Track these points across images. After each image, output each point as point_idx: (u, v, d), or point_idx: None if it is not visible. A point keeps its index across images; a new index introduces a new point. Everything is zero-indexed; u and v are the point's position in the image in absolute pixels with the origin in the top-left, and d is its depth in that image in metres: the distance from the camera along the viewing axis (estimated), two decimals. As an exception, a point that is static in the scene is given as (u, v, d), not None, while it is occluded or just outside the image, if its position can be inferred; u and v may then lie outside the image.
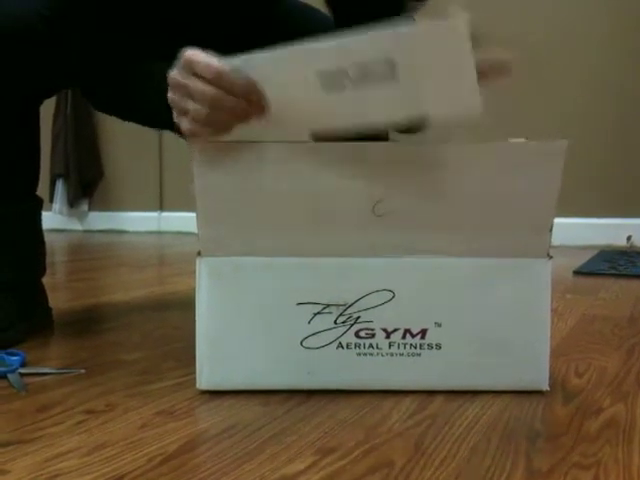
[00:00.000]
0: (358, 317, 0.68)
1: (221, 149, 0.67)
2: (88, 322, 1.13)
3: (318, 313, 0.68)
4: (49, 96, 0.99)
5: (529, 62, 2.34)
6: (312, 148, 0.67)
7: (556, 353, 0.84)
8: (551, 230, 0.68)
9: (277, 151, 0.67)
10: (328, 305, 0.68)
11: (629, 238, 2.19)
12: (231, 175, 0.67)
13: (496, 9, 2.38)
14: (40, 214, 1.01)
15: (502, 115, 2.39)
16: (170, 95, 0.68)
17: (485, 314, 0.68)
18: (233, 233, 0.68)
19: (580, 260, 1.78)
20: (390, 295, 0.68)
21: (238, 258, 0.69)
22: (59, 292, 1.40)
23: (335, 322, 0.68)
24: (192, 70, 0.66)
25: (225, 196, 0.68)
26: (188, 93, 0.66)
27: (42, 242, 1.02)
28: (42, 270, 1.03)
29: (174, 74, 0.67)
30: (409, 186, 0.67)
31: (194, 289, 0.69)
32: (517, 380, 0.70)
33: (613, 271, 1.62)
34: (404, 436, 0.59)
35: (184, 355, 0.83)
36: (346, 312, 0.68)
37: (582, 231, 2.24)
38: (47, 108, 3.08)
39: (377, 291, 0.68)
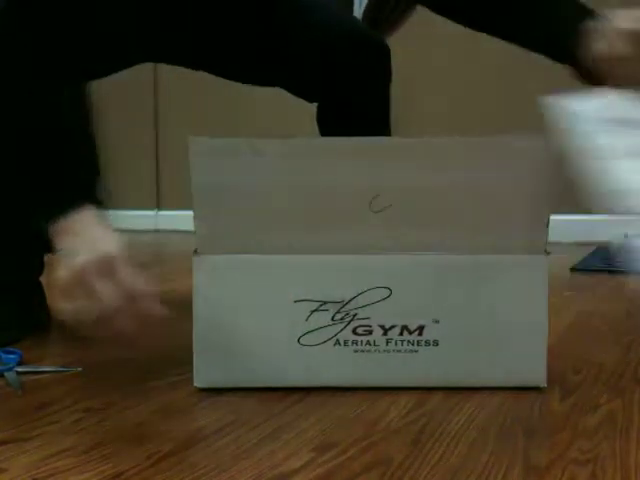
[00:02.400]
0: (355, 314, 0.68)
1: (218, 145, 0.67)
2: (85, 320, 1.12)
3: (315, 310, 0.68)
4: None
5: (525, 56, 2.35)
6: (308, 144, 0.67)
7: (553, 350, 0.84)
8: (548, 226, 0.68)
9: (273, 147, 0.67)
10: (325, 302, 0.68)
11: (626, 235, 2.19)
12: (228, 172, 0.67)
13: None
14: None
15: (501, 108, 2.39)
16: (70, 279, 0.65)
17: (482, 311, 0.68)
18: (230, 231, 0.68)
19: (577, 257, 1.78)
20: (387, 292, 0.68)
21: (235, 256, 0.69)
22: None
23: (332, 319, 0.68)
24: (110, 272, 0.66)
25: (222, 193, 0.67)
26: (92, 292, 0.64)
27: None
28: (40, 268, 1.03)
29: (84, 261, 0.65)
30: (406, 181, 0.67)
31: (191, 287, 0.69)
32: (515, 377, 0.70)
33: (610, 268, 1.62)
34: (402, 433, 0.59)
35: (181, 353, 0.83)
36: (343, 309, 0.68)
37: (579, 228, 2.24)
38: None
39: (374, 288, 0.68)
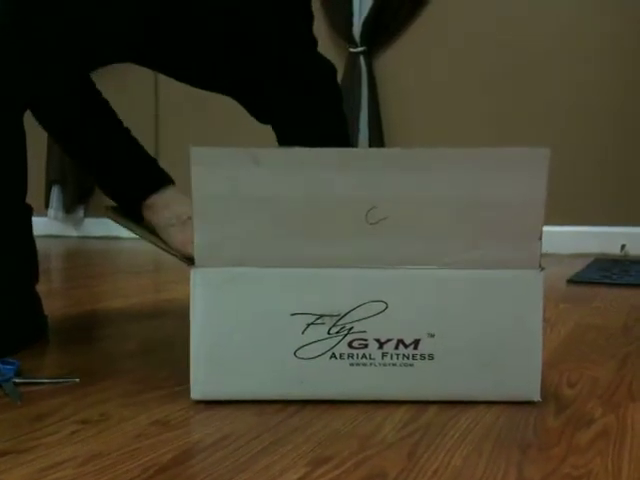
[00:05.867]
0: (351, 327, 0.69)
1: (219, 155, 0.68)
2: (83, 330, 1.13)
3: (312, 323, 0.69)
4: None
5: (526, 68, 2.36)
6: (308, 153, 0.68)
7: (549, 363, 0.85)
8: (541, 239, 0.69)
9: (273, 157, 0.68)
10: (322, 316, 0.69)
11: (623, 247, 2.20)
12: (228, 181, 0.68)
13: (494, 13, 2.39)
14: (31, 222, 1.01)
15: (497, 121, 2.40)
16: None
17: (477, 325, 0.69)
18: (228, 242, 0.69)
19: (574, 269, 1.79)
20: (383, 306, 0.68)
21: (232, 269, 0.69)
22: (55, 299, 1.41)
23: (328, 332, 0.69)
24: None
25: (222, 203, 0.68)
26: None
27: (34, 249, 1.02)
28: (35, 278, 1.03)
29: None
30: (402, 192, 0.68)
31: (189, 296, 0.70)
32: (509, 391, 0.70)
33: (607, 280, 1.63)
34: (397, 446, 0.59)
35: (179, 364, 0.83)
36: (339, 322, 0.69)
37: (576, 239, 2.25)
38: (43, 114, 3.08)
39: (370, 302, 0.69)
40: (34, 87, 0.90)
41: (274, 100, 1.13)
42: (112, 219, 1.04)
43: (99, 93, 1.12)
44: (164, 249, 1.02)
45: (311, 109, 1.16)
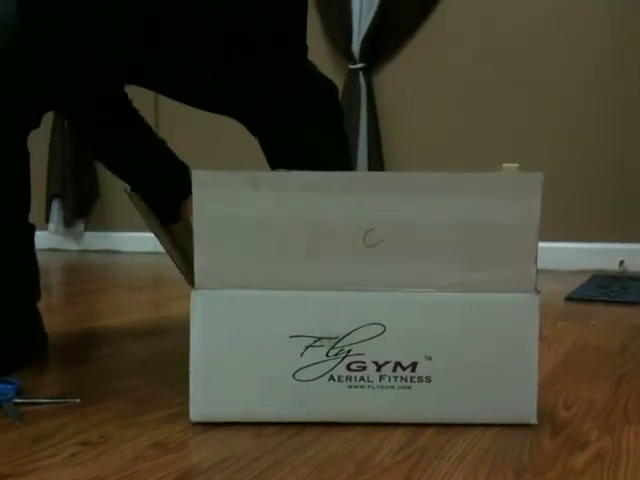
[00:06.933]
0: (349, 350, 0.69)
1: (220, 178, 0.69)
2: (83, 348, 1.13)
3: (310, 346, 0.69)
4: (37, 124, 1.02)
5: (527, 84, 2.37)
6: (308, 177, 0.69)
7: (545, 383, 0.85)
8: (536, 262, 0.69)
9: (273, 180, 0.69)
10: (320, 338, 0.69)
11: (621, 263, 2.20)
12: (229, 205, 0.69)
13: (495, 30, 2.41)
14: (33, 240, 1.02)
15: (498, 139, 2.41)
16: None
17: (474, 348, 0.70)
18: (228, 264, 0.70)
19: (572, 285, 1.79)
20: (381, 329, 0.69)
21: (232, 291, 0.70)
22: (55, 315, 1.41)
23: (327, 355, 0.70)
24: None
25: (222, 226, 0.69)
26: None
27: (36, 267, 1.03)
28: (37, 295, 1.04)
29: None
30: (400, 215, 0.69)
31: (189, 314, 0.70)
32: (506, 413, 0.71)
33: (605, 297, 1.63)
34: (394, 470, 0.60)
35: (179, 383, 0.84)
36: (338, 345, 0.69)
37: (575, 255, 2.25)
38: (44, 127, 3.09)
39: (369, 324, 0.69)
40: (34, 88, 0.91)
41: (274, 100, 1.14)
42: (135, 205, 1.09)
43: (125, 97, 1.14)
44: (172, 259, 1.04)
45: (311, 108, 1.15)
